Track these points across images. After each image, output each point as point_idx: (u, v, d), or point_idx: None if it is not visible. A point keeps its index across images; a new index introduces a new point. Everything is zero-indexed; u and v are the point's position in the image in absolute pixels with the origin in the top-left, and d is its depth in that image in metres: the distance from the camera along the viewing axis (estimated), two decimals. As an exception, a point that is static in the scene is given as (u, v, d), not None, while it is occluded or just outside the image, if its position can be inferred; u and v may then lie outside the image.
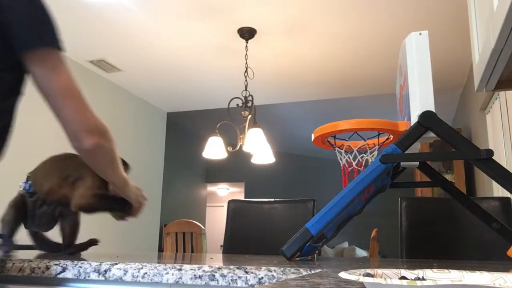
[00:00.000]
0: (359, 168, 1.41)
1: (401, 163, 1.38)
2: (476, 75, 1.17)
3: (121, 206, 1.35)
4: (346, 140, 1.49)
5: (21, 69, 1.00)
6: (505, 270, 0.99)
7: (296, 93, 4.80)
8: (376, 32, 3.44)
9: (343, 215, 1.36)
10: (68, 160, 1.41)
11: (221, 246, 6.78)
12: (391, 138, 1.48)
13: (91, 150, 1.05)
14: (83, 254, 1.46)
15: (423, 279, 0.58)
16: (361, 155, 1.44)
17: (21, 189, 1.39)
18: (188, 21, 3.30)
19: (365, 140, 1.47)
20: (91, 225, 4.15)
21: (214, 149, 3.35)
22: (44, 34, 1.00)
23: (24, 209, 1.38)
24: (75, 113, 1.01)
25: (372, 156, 1.44)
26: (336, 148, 1.49)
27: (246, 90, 3.43)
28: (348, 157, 1.46)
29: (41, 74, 0.98)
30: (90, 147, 1.04)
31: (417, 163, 1.36)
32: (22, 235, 1.44)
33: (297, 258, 1.33)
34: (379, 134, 1.43)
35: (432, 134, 1.25)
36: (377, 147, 1.45)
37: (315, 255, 1.63)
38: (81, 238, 1.50)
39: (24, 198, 1.39)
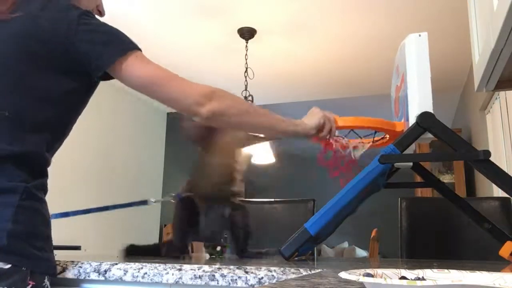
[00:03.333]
0: (348, 161, 1.40)
1: (395, 163, 1.38)
2: (476, 75, 1.17)
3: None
4: (343, 137, 1.48)
5: (92, 84, 1.11)
6: (505, 270, 0.99)
7: (296, 93, 4.80)
8: (376, 32, 3.44)
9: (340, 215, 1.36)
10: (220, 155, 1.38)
11: (221, 246, 6.76)
12: (387, 138, 1.48)
13: (211, 118, 1.09)
14: (83, 254, 1.46)
15: (423, 279, 0.58)
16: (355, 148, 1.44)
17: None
18: (188, 21, 3.30)
19: (361, 138, 1.47)
20: (91, 225, 4.15)
21: (214, 149, 3.34)
22: (115, 47, 1.06)
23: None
24: (175, 92, 1.07)
25: (363, 151, 1.43)
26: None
27: (246, 90, 3.43)
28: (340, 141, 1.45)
29: (129, 77, 1.07)
30: (207, 116, 1.08)
31: (411, 164, 1.36)
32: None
33: (296, 258, 1.33)
34: (375, 133, 1.43)
35: (430, 135, 1.25)
36: (369, 143, 1.45)
37: (314, 255, 1.63)
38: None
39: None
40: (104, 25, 1.07)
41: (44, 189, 1.02)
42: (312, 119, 1.31)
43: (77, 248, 2.87)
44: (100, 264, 1.07)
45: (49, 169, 1.07)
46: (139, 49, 1.09)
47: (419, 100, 1.27)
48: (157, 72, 1.09)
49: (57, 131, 1.08)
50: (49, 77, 1.03)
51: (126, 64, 1.05)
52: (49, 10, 1.04)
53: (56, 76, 1.03)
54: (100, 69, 1.05)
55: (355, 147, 1.38)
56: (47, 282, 0.97)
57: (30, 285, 0.93)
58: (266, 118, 1.22)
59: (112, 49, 1.05)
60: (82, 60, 1.03)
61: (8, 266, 0.88)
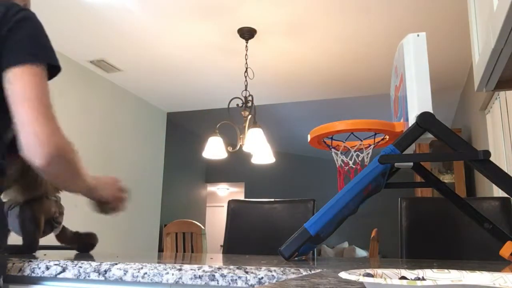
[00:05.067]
0: (356, 167, 1.41)
1: (395, 163, 1.39)
2: (476, 75, 1.17)
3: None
4: (343, 142, 1.49)
5: None
6: (505, 270, 0.99)
7: (296, 93, 4.80)
8: (376, 32, 3.44)
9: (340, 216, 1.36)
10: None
11: (221, 246, 6.78)
12: (387, 139, 1.48)
13: (42, 168, 0.95)
14: (83, 254, 1.46)
15: (423, 279, 0.58)
16: (356, 153, 1.44)
17: None
18: (188, 21, 3.30)
19: (361, 141, 1.47)
20: (91, 225, 4.15)
21: (214, 149, 3.35)
22: (24, 53, 1.00)
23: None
24: (30, 122, 0.93)
25: (368, 154, 1.44)
26: (332, 149, 1.49)
27: (246, 90, 3.43)
28: (343, 158, 1.46)
29: (9, 83, 0.97)
30: (39, 165, 0.94)
31: (411, 163, 1.36)
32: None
33: (296, 258, 1.33)
34: (375, 134, 1.43)
35: (429, 135, 1.25)
36: (372, 146, 1.45)
37: (314, 255, 1.63)
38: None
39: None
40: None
41: (1, 188, 1.02)
42: (105, 191, 1.24)
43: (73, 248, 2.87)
44: (100, 264, 1.07)
45: None
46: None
47: (418, 100, 1.27)
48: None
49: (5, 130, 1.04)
50: None
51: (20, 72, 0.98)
52: None
53: None
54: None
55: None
56: (1, 281, 0.98)
57: None
58: (82, 181, 1.12)
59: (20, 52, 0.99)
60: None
61: None
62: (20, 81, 0.96)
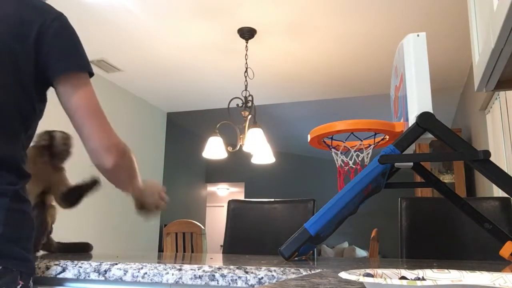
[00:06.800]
0: (356, 167, 1.41)
1: (395, 163, 1.39)
2: (476, 75, 1.17)
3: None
4: (343, 142, 1.49)
5: (45, 97, 1.09)
6: (505, 270, 0.99)
7: (296, 93, 4.80)
8: (376, 32, 3.44)
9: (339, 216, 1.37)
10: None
11: (221, 246, 6.78)
12: (387, 139, 1.48)
13: (111, 170, 1.07)
14: (83, 254, 1.46)
15: (423, 279, 0.58)
16: (356, 153, 1.44)
17: None
18: (188, 21, 3.30)
19: (361, 141, 1.47)
20: (91, 225, 4.15)
21: (214, 149, 3.35)
22: (73, 61, 1.07)
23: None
24: (96, 131, 1.04)
25: (368, 154, 1.44)
26: (332, 149, 1.49)
27: (246, 90, 3.43)
28: (343, 158, 1.46)
29: (65, 93, 1.04)
30: (109, 167, 1.06)
31: (411, 163, 1.36)
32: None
33: (296, 258, 1.33)
34: (375, 134, 1.43)
35: (429, 135, 1.25)
36: (372, 146, 1.46)
37: (314, 255, 1.63)
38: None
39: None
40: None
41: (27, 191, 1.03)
42: (149, 198, 1.32)
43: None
44: (100, 264, 1.07)
45: None
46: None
47: (418, 100, 1.27)
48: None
49: (32, 132, 1.09)
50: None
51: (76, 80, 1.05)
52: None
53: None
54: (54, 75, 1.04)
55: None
56: (31, 283, 1.00)
57: (20, 285, 0.94)
58: (137, 185, 1.24)
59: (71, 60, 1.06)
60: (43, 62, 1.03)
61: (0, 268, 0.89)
62: (79, 90, 1.04)
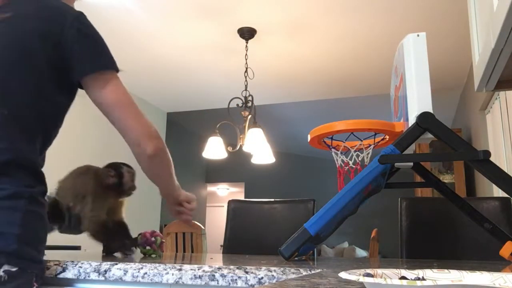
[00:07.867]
0: (356, 167, 1.41)
1: (395, 163, 1.39)
2: (476, 75, 1.17)
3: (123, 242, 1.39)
4: (343, 142, 1.49)
5: (73, 93, 1.12)
6: (505, 270, 0.99)
7: (296, 93, 4.80)
8: (376, 32, 3.44)
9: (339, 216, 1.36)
10: (82, 177, 1.42)
11: (221, 246, 6.77)
12: (387, 139, 1.48)
13: (154, 155, 1.11)
14: (83, 254, 1.46)
15: (423, 279, 0.58)
16: (356, 153, 1.44)
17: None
18: (188, 21, 3.30)
19: (361, 141, 1.47)
20: (91, 225, 4.14)
21: (214, 149, 3.35)
22: (98, 60, 1.10)
23: (56, 212, 1.39)
24: (134, 121, 1.11)
25: (368, 154, 1.44)
26: (332, 149, 1.49)
27: (246, 90, 3.43)
28: (343, 158, 1.46)
29: (95, 92, 1.07)
30: (152, 152, 1.10)
31: (411, 163, 1.36)
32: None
33: (296, 258, 1.33)
34: (375, 134, 1.43)
35: (429, 135, 1.25)
36: (372, 146, 1.46)
37: (314, 255, 1.63)
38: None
39: (57, 201, 1.41)
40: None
41: (44, 195, 1.03)
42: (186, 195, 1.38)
43: (77, 248, 2.87)
44: (100, 264, 1.07)
45: (48, 169, 1.08)
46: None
47: (418, 100, 1.27)
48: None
49: (50, 135, 1.10)
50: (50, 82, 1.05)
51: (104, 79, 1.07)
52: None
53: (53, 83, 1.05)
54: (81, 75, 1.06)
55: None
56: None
57: (35, 287, 0.95)
58: (175, 177, 1.28)
59: (98, 60, 1.08)
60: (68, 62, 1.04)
61: (16, 269, 0.90)
62: (109, 87, 1.07)
